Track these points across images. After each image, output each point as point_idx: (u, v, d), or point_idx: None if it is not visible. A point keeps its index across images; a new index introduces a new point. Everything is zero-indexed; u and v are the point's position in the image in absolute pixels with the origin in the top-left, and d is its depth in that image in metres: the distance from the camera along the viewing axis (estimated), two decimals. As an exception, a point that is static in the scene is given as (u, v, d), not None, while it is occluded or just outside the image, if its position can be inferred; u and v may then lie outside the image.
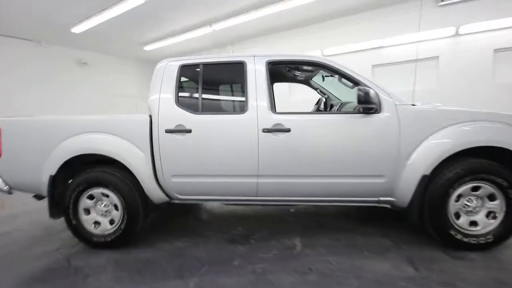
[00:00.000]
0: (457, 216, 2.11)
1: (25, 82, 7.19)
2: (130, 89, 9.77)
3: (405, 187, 2.11)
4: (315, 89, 3.63)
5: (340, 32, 6.40)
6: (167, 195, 2.42)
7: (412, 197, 2.10)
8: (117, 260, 2.21)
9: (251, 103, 2.21)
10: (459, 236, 2.09)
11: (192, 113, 2.27)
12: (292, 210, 3.22)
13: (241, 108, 2.25)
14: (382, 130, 2.09)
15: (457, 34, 5.03)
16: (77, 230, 2.39)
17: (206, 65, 2.37)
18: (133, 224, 2.33)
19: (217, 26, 6.36)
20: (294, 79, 3.52)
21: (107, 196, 2.37)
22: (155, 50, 8.15)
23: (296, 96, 5.59)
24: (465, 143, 2.00)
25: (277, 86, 3.29)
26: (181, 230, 2.79)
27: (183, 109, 2.28)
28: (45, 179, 2.38)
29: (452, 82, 5.17)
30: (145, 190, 2.36)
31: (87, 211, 2.42)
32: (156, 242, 2.51)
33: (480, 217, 2.11)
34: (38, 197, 2.66)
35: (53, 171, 2.36)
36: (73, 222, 2.38)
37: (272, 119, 2.17)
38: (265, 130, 2.15)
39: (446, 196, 2.07)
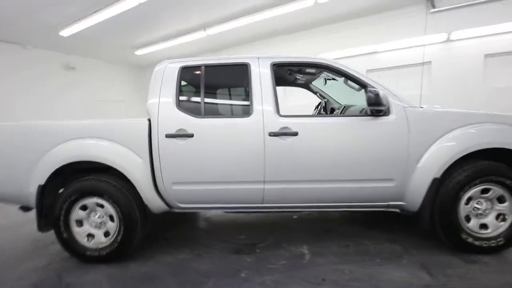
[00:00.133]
0: (467, 219, 2.08)
1: (8, 88, 6.86)
2: (119, 94, 9.53)
3: (416, 190, 2.06)
4: (315, 92, 3.59)
5: (333, 38, 6.47)
6: (167, 203, 2.28)
7: (422, 201, 2.05)
8: (114, 275, 2.04)
9: (256, 106, 2.13)
10: (470, 240, 2.05)
11: (194, 116, 2.16)
12: (295, 217, 3.13)
13: (246, 111, 2.16)
14: (391, 132, 2.05)
15: (448, 40, 5.16)
16: (69, 243, 2.21)
17: (208, 66, 2.27)
18: (131, 236, 2.18)
19: (212, 31, 6.30)
20: (293, 83, 3.48)
21: (101, 206, 2.21)
22: (147, 54, 7.99)
23: (293, 101, 5.57)
24: (476, 145, 1.98)
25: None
26: (181, 240, 2.64)
27: (184, 112, 2.16)
28: (33, 189, 2.19)
29: (444, 87, 5.28)
30: (143, 199, 2.21)
31: (80, 222, 2.24)
32: (155, 254, 2.35)
33: (490, 219, 2.08)
34: (25, 208, 2.45)
35: (42, 181, 2.18)
36: (64, 235, 2.20)
37: (279, 123, 2.08)
38: (272, 134, 2.07)
39: (456, 199, 2.03)
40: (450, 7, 4.99)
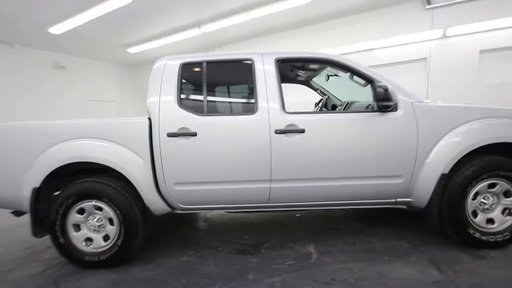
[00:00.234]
0: (474, 214, 2.07)
1: (-5, 88, 6.61)
2: (111, 94, 9.31)
3: (424, 187, 2.04)
4: (315, 89, 3.56)
5: (330, 35, 6.45)
6: (169, 205, 2.20)
7: (431, 197, 2.03)
8: (114, 280, 1.96)
9: (261, 103, 2.07)
10: (477, 235, 2.05)
11: (197, 114, 2.08)
12: (298, 215, 3.09)
13: (250, 108, 2.10)
14: (399, 128, 2.02)
15: (444, 36, 5.20)
16: (66, 249, 2.11)
17: (210, 63, 2.19)
18: (132, 239, 2.09)
19: (206, 28, 6.18)
20: (294, 80, 3.43)
21: (100, 209, 2.12)
22: (140, 53, 7.82)
23: (292, 98, 5.52)
24: (484, 139, 1.97)
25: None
26: (182, 242, 2.57)
27: (186, 110, 2.09)
28: (26, 193, 2.08)
29: (441, 82, 5.31)
30: (144, 200, 2.13)
31: (77, 226, 2.15)
32: (157, 257, 2.27)
33: (496, 214, 2.08)
34: (17, 213, 2.33)
35: (36, 183, 2.07)
36: (61, 240, 2.10)
37: (285, 120, 2.03)
38: (278, 132, 2.01)
39: (464, 194, 2.02)
40: (446, 3, 5.02)
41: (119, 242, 2.09)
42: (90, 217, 2.14)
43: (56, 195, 2.22)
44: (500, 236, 2.05)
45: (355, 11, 6.03)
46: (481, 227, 2.06)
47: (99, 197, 2.08)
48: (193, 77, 2.23)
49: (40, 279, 2.04)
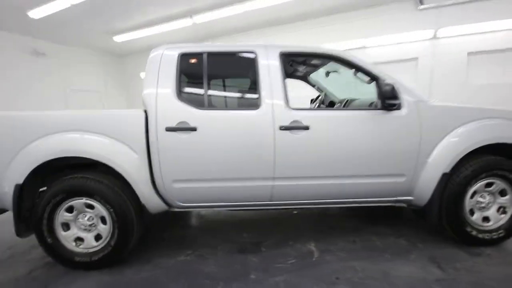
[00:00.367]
0: (471, 212, 2.11)
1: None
2: (95, 84, 8.88)
3: (425, 186, 2.05)
4: (312, 85, 3.51)
5: (324, 30, 6.41)
6: (166, 203, 2.10)
7: (431, 196, 2.05)
8: (107, 283, 1.85)
9: (265, 97, 1.99)
10: (474, 233, 2.09)
11: (197, 108, 1.98)
12: (295, 212, 3.06)
13: (254, 103, 2.02)
14: (403, 127, 2.01)
15: (435, 37, 5.29)
16: (54, 249, 1.97)
17: (210, 54, 2.08)
18: (126, 239, 1.98)
19: (199, 18, 5.97)
20: (292, 75, 3.36)
21: (91, 207, 1.98)
22: (126, 42, 7.47)
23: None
24: (485, 140, 2.00)
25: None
26: (179, 241, 2.47)
27: (186, 104, 1.98)
28: (8, 189, 1.92)
29: (430, 82, 5.43)
30: (140, 198, 2.02)
31: (66, 226, 2.01)
32: (153, 257, 2.17)
33: (491, 212, 2.13)
34: (-2, 211, 2.16)
35: (20, 179, 1.91)
36: (48, 240, 1.96)
37: (290, 116, 1.97)
38: (283, 128, 1.95)
39: (463, 193, 2.05)
40: (438, 4, 5.09)
41: (113, 242, 1.97)
42: (80, 216, 2.01)
43: (43, 191, 2.07)
44: (495, 233, 2.11)
45: (349, 8, 6.02)
46: (477, 225, 2.11)
47: (90, 195, 1.95)
48: (193, 69, 2.11)
49: (27, 282, 1.89)
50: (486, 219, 2.13)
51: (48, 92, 7.42)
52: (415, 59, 5.59)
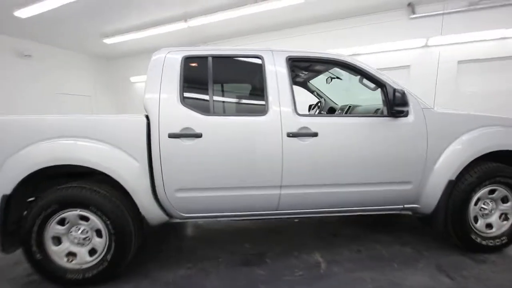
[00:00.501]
0: (475, 219, 2.12)
1: None
2: (84, 88, 8.56)
3: (432, 193, 2.05)
4: (311, 91, 3.50)
5: (316, 37, 6.48)
6: (167, 213, 1.99)
7: (437, 203, 2.05)
8: (104, 301, 1.71)
9: (273, 103, 1.94)
10: (479, 240, 2.10)
11: (202, 114, 1.90)
12: (296, 220, 3.00)
13: (261, 109, 1.96)
14: (410, 134, 2.00)
15: (426, 45, 5.46)
16: (43, 266, 1.81)
17: (216, 58, 2.01)
18: (124, 253, 1.85)
19: (193, 22, 5.90)
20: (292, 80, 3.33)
21: (85, 219, 1.84)
22: (117, 44, 7.26)
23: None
24: (489, 147, 2.03)
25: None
26: (177, 253, 2.35)
27: (190, 109, 1.89)
28: (-7, 200, 1.76)
29: (422, 89, 5.55)
30: (140, 208, 1.90)
31: (57, 240, 1.85)
32: (152, 271, 2.04)
33: (494, 219, 2.15)
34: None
35: (7, 190, 1.76)
36: (37, 256, 1.80)
37: (298, 122, 1.92)
38: (291, 135, 1.90)
39: (468, 200, 2.06)
40: (429, 14, 5.27)
41: (109, 256, 1.83)
42: (73, 229, 1.86)
43: (31, 202, 1.92)
44: (498, 240, 2.12)
45: (341, 16, 6.12)
46: (481, 232, 2.12)
47: (85, 206, 1.81)
48: (197, 73, 2.03)
49: (11, 304, 1.72)
50: (489, 226, 2.15)
51: (34, 95, 7.07)
52: (407, 67, 5.73)
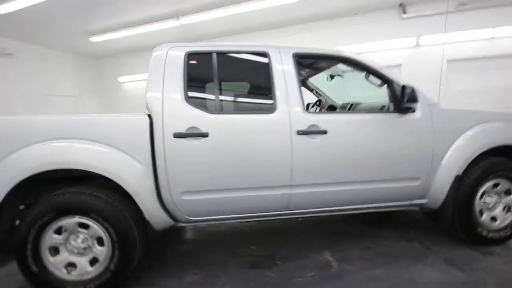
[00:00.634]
0: (480, 213, 2.15)
1: None
2: (68, 88, 8.20)
3: (439, 188, 2.06)
4: (310, 90, 3.48)
5: (309, 36, 6.48)
6: (172, 217, 1.90)
7: (445, 199, 2.06)
8: (108, 314, 1.60)
9: (281, 101, 1.88)
10: (484, 233, 2.13)
11: (208, 112, 1.82)
12: (300, 219, 2.95)
13: (268, 106, 1.90)
14: (418, 130, 2.00)
15: (417, 45, 5.56)
16: (40, 278, 1.68)
17: (220, 54, 1.94)
18: (128, 261, 1.74)
19: (186, 20, 5.75)
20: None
21: (85, 226, 1.72)
22: (104, 42, 6.99)
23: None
24: (493, 142, 2.06)
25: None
26: (182, 258, 2.26)
27: (196, 108, 1.81)
28: (-19, 209, 1.61)
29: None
30: (144, 213, 1.80)
31: (55, 250, 1.72)
32: (157, 278, 1.94)
33: (498, 212, 2.19)
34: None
35: (-3, 197, 1.61)
36: (33, 268, 1.66)
37: (307, 120, 1.87)
38: (301, 132, 1.85)
39: (473, 194, 2.09)
40: (419, 14, 5.37)
41: (112, 266, 1.72)
42: (72, 237, 1.74)
43: (24, 210, 1.78)
44: (502, 232, 2.16)
45: (333, 15, 6.15)
46: (487, 225, 2.15)
47: (85, 212, 1.69)
48: (201, 70, 1.95)
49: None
50: (493, 218, 2.18)
51: (15, 96, 6.70)
52: (399, 65, 5.82)
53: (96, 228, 1.71)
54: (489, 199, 2.16)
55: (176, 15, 5.64)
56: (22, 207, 1.85)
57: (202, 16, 5.57)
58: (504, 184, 2.15)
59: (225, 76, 1.98)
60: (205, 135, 1.78)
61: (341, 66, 2.77)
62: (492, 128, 2.09)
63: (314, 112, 1.95)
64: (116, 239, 1.71)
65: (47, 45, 7.23)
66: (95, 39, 6.80)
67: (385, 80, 2.07)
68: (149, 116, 1.80)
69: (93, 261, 1.75)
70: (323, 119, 1.91)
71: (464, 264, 1.94)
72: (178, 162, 1.76)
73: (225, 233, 2.76)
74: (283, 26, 6.47)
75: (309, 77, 3.27)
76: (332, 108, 3.32)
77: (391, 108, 2.06)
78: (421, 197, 2.11)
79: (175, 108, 1.79)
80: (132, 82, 8.51)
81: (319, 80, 3.33)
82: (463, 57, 5.28)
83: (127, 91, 8.77)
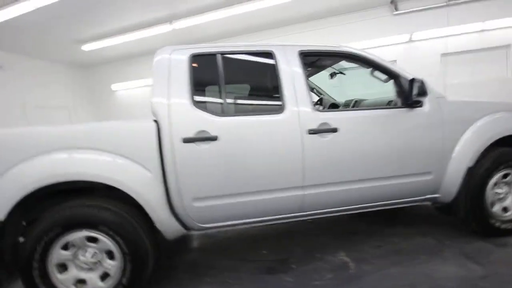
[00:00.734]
0: (492, 204, 2.14)
1: None
2: (61, 99, 8.04)
3: (451, 181, 2.04)
4: (312, 89, 3.46)
5: (303, 36, 6.50)
6: (184, 225, 1.83)
7: (458, 191, 2.04)
8: (122, 331, 1.53)
9: (289, 100, 1.85)
10: (497, 224, 2.12)
11: (216, 115, 1.77)
12: (309, 221, 2.91)
13: (277, 107, 1.86)
14: (427, 124, 1.99)
15: (410, 40, 5.63)
16: (48, 298, 1.59)
17: (225, 55, 1.90)
18: (141, 274, 1.67)
19: (179, 24, 5.70)
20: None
21: (94, 240, 1.65)
22: (96, 51, 6.88)
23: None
24: (502, 132, 2.06)
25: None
26: (192, 267, 2.19)
27: (203, 111, 1.76)
28: (-17, 228, 1.53)
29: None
30: (156, 223, 1.73)
31: (63, 267, 1.64)
32: (170, 290, 1.87)
33: (509, 202, 2.18)
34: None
35: (1, 214, 1.53)
36: (41, 287, 1.58)
37: (318, 118, 1.84)
38: (311, 132, 1.81)
39: (484, 185, 2.08)
40: (411, 10, 5.44)
41: (124, 280, 1.64)
42: (80, 252, 1.66)
43: (26, 226, 1.69)
44: (514, 222, 2.15)
45: (326, 14, 6.19)
46: (499, 216, 2.14)
47: (93, 225, 1.62)
48: (207, 72, 1.90)
49: None
50: (504, 209, 2.17)
51: (5, 109, 6.52)
52: (394, 61, 5.87)
53: (105, 241, 1.64)
54: (500, 190, 2.15)
55: (169, 19, 5.59)
56: (24, 223, 1.77)
57: (196, 19, 5.53)
58: (513, 174, 2.15)
59: (231, 77, 1.93)
60: (214, 138, 1.73)
61: (342, 64, 2.78)
62: (500, 118, 2.10)
63: (324, 110, 1.90)
64: (127, 251, 1.64)
65: (38, 55, 7.09)
66: (87, 47, 6.68)
67: (392, 75, 2.06)
68: (156, 122, 1.74)
69: (104, 276, 1.67)
70: (333, 117, 1.88)
71: (480, 257, 1.92)
72: (188, 167, 1.71)
73: (231, 238, 2.70)
74: (277, 27, 6.48)
75: (310, 76, 3.24)
76: (334, 106, 3.30)
77: (399, 103, 2.05)
78: (434, 192, 2.09)
79: (183, 113, 1.74)
80: (126, 90, 8.40)
81: (317, 79, 3.33)
82: (456, 50, 5.35)
83: (121, 100, 8.64)
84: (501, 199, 2.17)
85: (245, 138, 1.79)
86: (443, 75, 5.53)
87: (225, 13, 5.35)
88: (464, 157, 2.02)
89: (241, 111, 2.00)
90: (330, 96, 3.46)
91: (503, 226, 2.13)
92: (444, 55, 5.42)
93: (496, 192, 2.15)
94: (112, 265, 1.65)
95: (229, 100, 1.90)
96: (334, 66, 2.85)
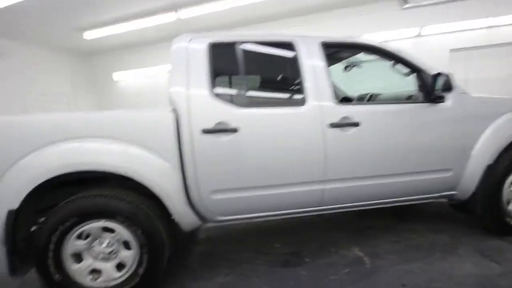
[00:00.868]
0: (508, 202, 2.13)
1: None
2: (62, 87, 7.91)
3: (470, 179, 2.02)
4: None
5: (311, 28, 6.39)
6: (201, 217, 1.80)
7: (476, 189, 2.02)
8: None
9: (311, 92, 1.80)
10: (512, 222, 2.11)
11: (236, 107, 1.72)
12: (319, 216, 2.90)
13: (299, 99, 1.81)
14: (449, 119, 1.96)
15: (419, 35, 5.54)
16: (64, 287, 1.56)
17: (245, 44, 1.83)
18: (158, 265, 1.65)
19: (184, 13, 5.57)
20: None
21: (110, 230, 1.62)
22: (98, 39, 6.73)
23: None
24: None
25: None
26: (207, 258, 2.18)
27: (223, 102, 1.71)
28: (-3, 216, 1.49)
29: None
30: (173, 214, 1.70)
31: (78, 256, 1.61)
32: (186, 281, 1.86)
33: (524, 201, 2.17)
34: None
35: (14, 203, 1.49)
36: (56, 277, 1.55)
37: (340, 112, 1.80)
38: (333, 125, 1.77)
39: (502, 184, 2.06)
40: (421, 4, 5.34)
41: (141, 270, 1.62)
42: (96, 242, 1.63)
43: (40, 215, 1.66)
44: (529, 221, 2.15)
45: (334, 6, 6.07)
46: (514, 214, 2.13)
47: (110, 216, 1.58)
48: (226, 62, 1.84)
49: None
50: (519, 208, 2.17)
51: (5, 97, 6.40)
52: (401, 56, 5.81)
53: (122, 231, 1.61)
54: (514, 188, 2.14)
55: (174, 7, 5.45)
56: (38, 212, 1.73)
57: (202, 8, 5.39)
58: (530, 172, 2.13)
59: (250, 68, 1.87)
60: (234, 130, 1.68)
61: (359, 56, 2.72)
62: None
63: (346, 103, 1.85)
64: (144, 242, 1.61)
65: (38, 43, 6.94)
66: (88, 35, 6.53)
67: (415, 69, 2.01)
68: (174, 111, 1.69)
69: (120, 266, 1.64)
70: (355, 111, 1.84)
71: (497, 255, 1.92)
72: (207, 159, 1.67)
73: (244, 231, 2.68)
74: (283, 17, 6.36)
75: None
76: (347, 100, 3.25)
77: (420, 97, 2.01)
78: (452, 188, 2.07)
79: (202, 103, 1.69)
80: (127, 80, 8.27)
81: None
82: (465, 46, 5.29)
83: (123, 89, 8.52)
84: (516, 198, 2.15)
85: (265, 131, 1.74)
86: (452, 70, 5.46)
87: (230, 3, 5.22)
88: (485, 154, 1.99)
89: (261, 103, 1.94)
90: (343, 90, 3.41)
91: (519, 224, 2.13)
92: (452, 50, 5.35)
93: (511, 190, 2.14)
94: (129, 255, 1.63)
95: (249, 92, 1.85)
96: (352, 59, 2.79)
